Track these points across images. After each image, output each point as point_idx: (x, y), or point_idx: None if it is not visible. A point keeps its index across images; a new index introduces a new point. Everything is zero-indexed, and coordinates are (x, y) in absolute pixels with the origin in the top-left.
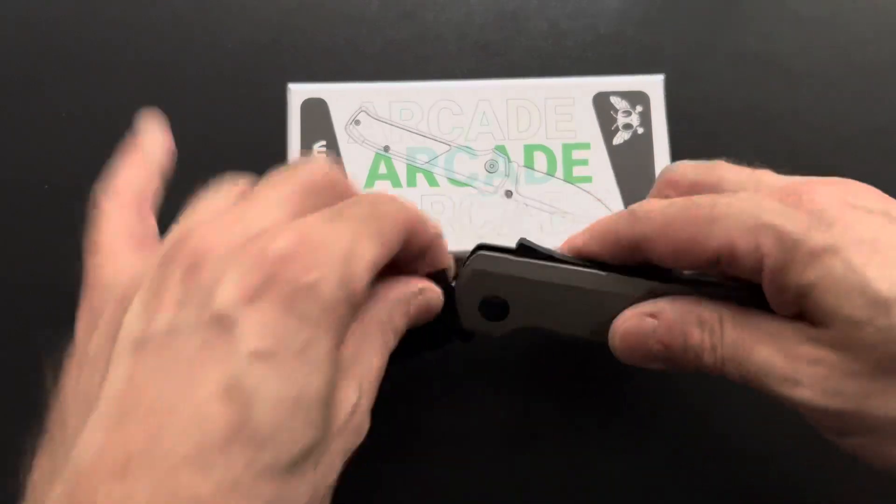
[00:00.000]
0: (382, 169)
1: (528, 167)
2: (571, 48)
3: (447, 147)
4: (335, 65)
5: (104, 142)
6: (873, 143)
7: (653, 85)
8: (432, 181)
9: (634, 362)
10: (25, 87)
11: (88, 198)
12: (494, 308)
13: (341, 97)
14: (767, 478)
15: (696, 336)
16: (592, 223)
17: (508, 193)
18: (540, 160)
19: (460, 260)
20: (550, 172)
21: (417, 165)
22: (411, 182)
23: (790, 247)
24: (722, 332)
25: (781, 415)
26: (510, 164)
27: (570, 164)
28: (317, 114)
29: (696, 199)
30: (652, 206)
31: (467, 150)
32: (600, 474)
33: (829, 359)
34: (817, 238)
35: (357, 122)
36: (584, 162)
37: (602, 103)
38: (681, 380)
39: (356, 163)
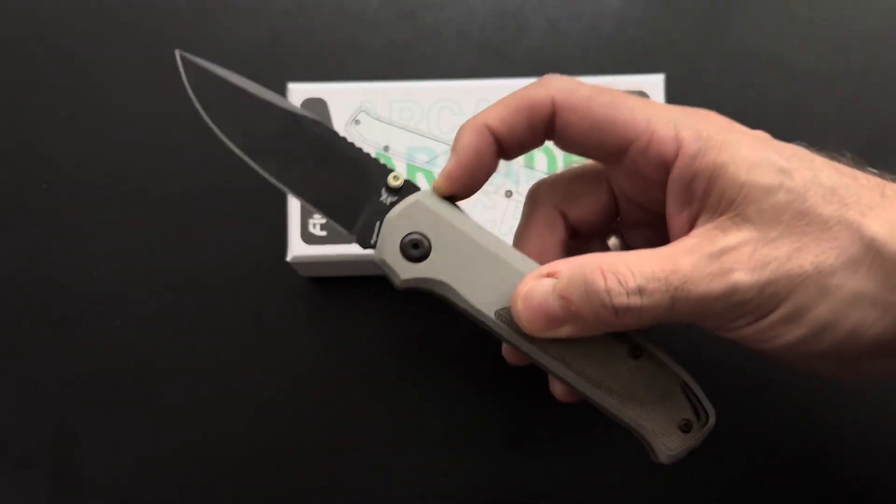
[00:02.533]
0: None
1: (529, 167)
2: (572, 48)
3: (447, 147)
4: (335, 65)
5: (104, 142)
6: (873, 143)
7: (653, 84)
8: (432, 181)
9: (540, 330)
10: (25, 87)
11: (86, 197)
12: (415, 248)
13: (341, 97)
14: (768, 479)
15: (599, 279)
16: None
17: (508, 193)
18: (540, 160)
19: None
20: (551, 171)
21: (417, 165)
22: None
23: (704, 136)
24: (630, 268)
25: (783, 416)
26: (510, 164)
27: (570, 163)
28: (317, 113)
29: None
30: (569, 79)
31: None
32: (600, 474)
33: (750, 236)
34: (722, 133)
35: (357, 122)
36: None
37: None
38: None
39: None
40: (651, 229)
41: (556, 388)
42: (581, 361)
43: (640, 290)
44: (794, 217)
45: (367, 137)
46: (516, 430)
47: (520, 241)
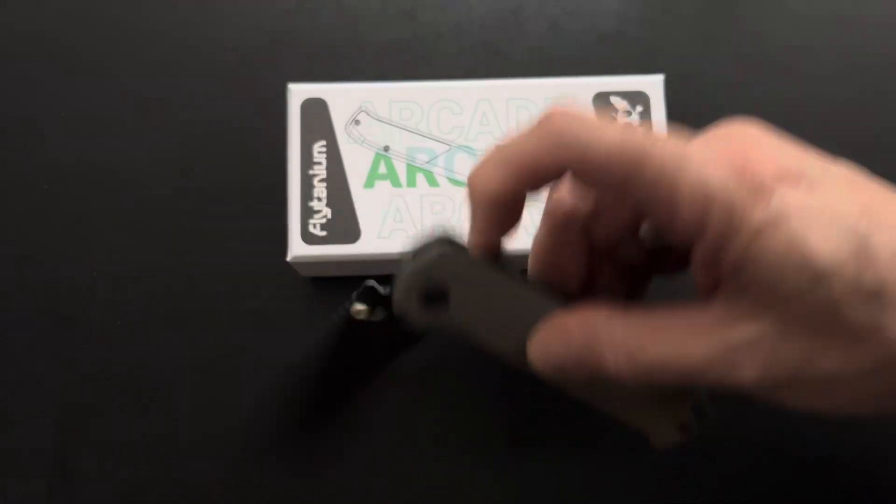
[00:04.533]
0: (382, 169)
1: None
2: (572, 48)
3: (447, 147)
4: (335, 65)
5: (104, 142)
6: (873, 143)
7: (653, 85)
8: (432, 181)
9: (557, 379)
10: (25, 87)
11: (86, 197)
12: (434, 299)
13: (341, 97)
14: (768, 479)
15: (609, 363)
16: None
17: None
18: None
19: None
20: None
21: (417, 165)
22: (411, 182)
23: (737, 220)
24: (641, 351)
25: (783, 416)
26: None
27: None
28: (317, 114)
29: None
30: (585, 130)
31: (467, 149)
32: (601, 475)
33: (768, 332)
34: (760, 213)
35: (357, 122)
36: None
37: (602, 103)
38: None
39: (356, 163)
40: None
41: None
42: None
43: (649, 375)
44: (824, 323)
45: (367, 137)
46: (516, 430)
47: (540, 261)
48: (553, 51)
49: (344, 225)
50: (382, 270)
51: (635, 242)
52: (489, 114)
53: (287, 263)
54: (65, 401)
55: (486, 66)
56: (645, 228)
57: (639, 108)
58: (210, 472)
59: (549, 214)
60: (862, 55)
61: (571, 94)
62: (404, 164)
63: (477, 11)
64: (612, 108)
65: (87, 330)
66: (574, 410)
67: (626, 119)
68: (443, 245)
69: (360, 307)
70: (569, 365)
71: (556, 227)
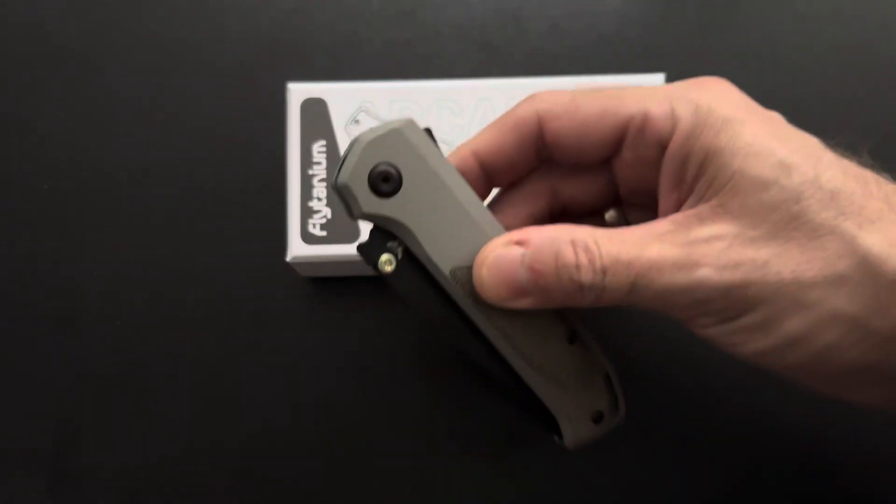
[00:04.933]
0: None
1: None
2: (572, 48)
3: (447, 147)
4: (335, 64)
5: (104, 142)
6: (875, 142)
7: (653, 84)
8: None
9: (501, 299)
10: (25, 87)
11: (86, 197)
12: (385, 181)
13: (341, 96)
14: (768, 479)
15: (570, 254)
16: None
17: None
18: None
19: None
20: None
21: None
22: None
23: (704, 112)
24: (598, 246)
25: (784, 417)
26: None
27: None
28: (316, 113)
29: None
30: (555, 91)
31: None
32: (600, 475)
33: (727, 230)
34: (726, 110)
35: (357, 122)
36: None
37: None
38: (683, 380)
39: None
40: (651, 212)
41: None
42: (521, 335)
43: (604, 270)
44: (783, 219)
45: None
46: (516, 430)
47: (496, 204)
48: (553, 51)
49: (344, 225)
50: None
51: (598, 220)
52: (489, 114)
53: (287, 263)
54: (64, 401)
55: (486, 66)
56: (611, 215)
57: None
58: (210, 472)
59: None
60: (864, 54)
61: None
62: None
63: (477, 11)
64: None
65: (87, 330)
66: None
67: None
68: (407, 124)
69: (387, 257)
70: (521, 278)
71: (522, 128)
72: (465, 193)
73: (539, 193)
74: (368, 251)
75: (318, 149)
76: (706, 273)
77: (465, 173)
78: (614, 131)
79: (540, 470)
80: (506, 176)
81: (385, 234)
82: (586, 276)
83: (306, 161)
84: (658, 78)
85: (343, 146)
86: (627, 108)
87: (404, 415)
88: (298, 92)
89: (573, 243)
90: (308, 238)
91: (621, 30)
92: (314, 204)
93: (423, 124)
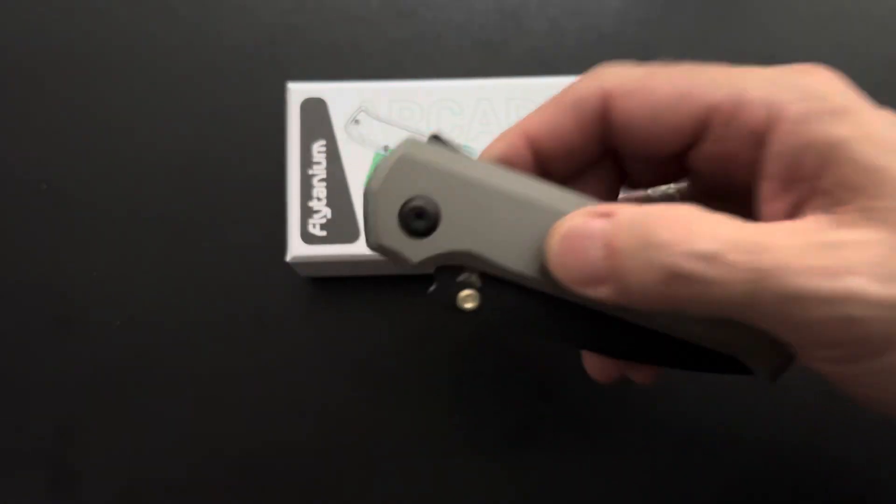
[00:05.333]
0: None
1: None
2: (572, 47)
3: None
4: (335, 64)
5: (104, 142)
6: None
7: None
8: None
9: (574, 281)
10: (25, 87)
11: (86, 197)
12: (420, 218)
13: (341, 96)
14: (769, 479)
15: (664, 231)
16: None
17: None
18: None
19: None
20: None
21: None
22: None
23: (817, 97)
24: (712, 230)
25: (784, 416)
26: None
27: None
28: (316, 113)
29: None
30: (625, 65)
31: (468, 150)
32: (601, 475)
33: (883, 238)
34: (841, 98)
35: (357, 122)
36: None
37: None
38: (682, 381)
39: (356, 162)
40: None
41: (593, 366)
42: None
43: (713, 257)
44: None
45: (366, 137)
46: (516, 430)
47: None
48: (553, 50)
49: (343, 225)
50: (382, 271)
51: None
52: (489, 114)
53: (287, 263)
54: (64, 401)
55: (486, 65)
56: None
57: None
58: (210, 473)
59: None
60: (864, 54)
61: None
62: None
63: (477, 11)
64: None
65: (87, 330)
66: (574, 410)
67: None
68: (409, 145)
69: (466, 293)
70: (595, 258)
71: (583, 105)
72: (521, 183)
73: (602, 192)
74: (440, 296)
75: (318, 149)
76: (860, 283)
77: (513, 161)
78: (696, 118)
79: (542, 469)
80: (562, 165)
81: (450, 269)
82: (678, 261)
83: (306, 161)
84: None
85: (343, 146)
86: (715, 92)
87: (404, 414)
88: (298, 92)
89: (672, 218)
90: (308, 238)
91: (621, 29)
92: (314, 204)
93: (423, 124)
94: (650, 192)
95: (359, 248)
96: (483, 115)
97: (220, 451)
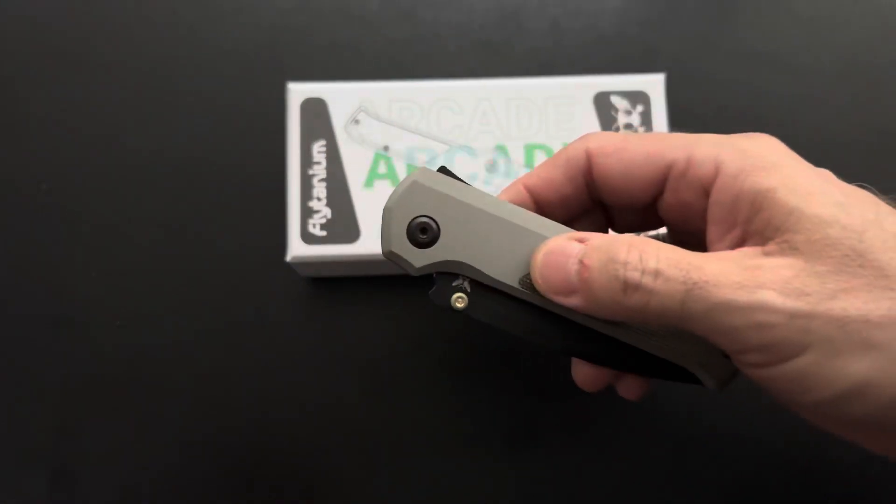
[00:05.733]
0: (382, 168)
1: (529, 167)
2: (572, 47)
3: (447, 147)
4: (335, 64)
5: (103, 142)
6: (874, 143)
7: (653, 84)
8: None
9: (552, 290)
10: (25, 87)
11: (86, 197)
12: (423, 233)
13: (341, 96)
14: (769, 479)
15: (622, 251)
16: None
17: None
18: (540, 159)
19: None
20: None
21: (417, 165)
22: None
23: (750, 156)
24: (657, 250)
25: (784, 418)
26: (510, 163)
27: None
28: (316, 113)
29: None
30: (607, 133)
31: (467, 149)
32: (600, 475)
33: (793, 263)
34: (775, 157)
35: (357, 122)
36: None
37: (603, 103)
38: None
39: (356, 162)
40: None
41: (580, 375)
42: None
43: (657, 273)
44: (848, 255)
45: (366, 137)
46: (516, 430)
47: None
48: (553, 50)
49: (343, 225)
50: (382, 271)
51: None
52: (489, 114)
53: (287, 263)
54: (64, 401)
55: (486, 65)
56: (663, 234)
57: (640, 108)
58: (209, 472)
59: (570, 153)
60: (863, 55)
61: (572, 93)
62: (404, 163)
63: (477, 11)
64: (613, 108)
65: (87, 330)
66: (573, 410)
67: (626, 118)
68: (421, 173)
69: (458, 295)
70: (571, 272)
71: (574, 163)
72: (508, 210)
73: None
74: (439, 297)
75: (318, 149)
76: (769, 296)
77: (517, 203)
78: (659, 173)
79: (543, 469)
80: (560, 210)
81: (447, 275)
82: (632, 274)
83: (306, 161)
84: (658, 78)
85: (343, 146)
86: (672, 152)
87: (404, 414)
88: (298, 92)
89: (630, 244)
90: (308, 238)
91: (621, 29)
92: (314, 204)
93: (423, 125)
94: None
95: (359, 248)
96: (483, 115)
97: (219, 450)
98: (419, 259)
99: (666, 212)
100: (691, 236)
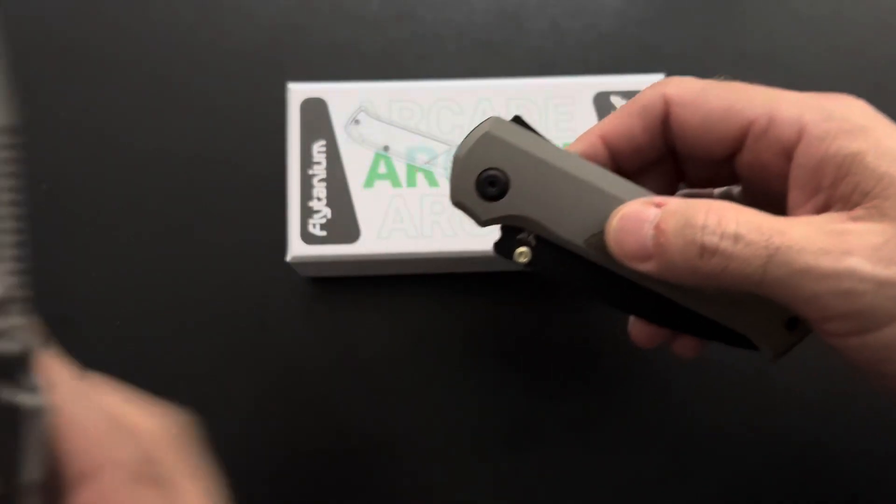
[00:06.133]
0: (382, 168)
1: None
2: (572, 47)
3: (447, 147)
4: (335, 64)
5: (103, 142)
6: None
7: (653, 83)
8: (432, 181)
9: (626, 255)
10: (25, 87)
11: (86, 197)
12: (492, 185)
13: (341, 97)
14: (769, 479)
15: (699, 215)
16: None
17: None
18: None
19: None
20: None
21: (417, 165)
22: (411, 182)
23: (838, 118)
24: (737, 213)
25: (785, 417)
26: None
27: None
28: (316, 113)
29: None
30: (687, 78)
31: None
32: (601, 474)
33: (883, 229)
34: (862, 119)
35: (357, 122)
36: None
37: (603, 103)
38: (682, 381)
39: (356, 162)
40: None
41: (637, 332)
42: None
43: (737, 237)
44: None
45: (366, 137)
46: (516, 430)
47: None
48: (553, 50)
49: (343, 225)
50: (382, 271)
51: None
52: (489, 113)
53: (287, 263)
54: None
55: (486, 65)
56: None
57: None
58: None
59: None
60: (864, 55)
61: (572, 93)
62: (404, 163)
63: (477, 11)
64: (613, 108)
65: (86, 330)
66: (573, 410)
67: None
68: (493, 123)
69: (521, 249)
70: (647, 237)
71: (651, 110)
72: (581, 166)
73: (664, 186)
74: (503, 248)
75: (318, 149)
76: (857, 262)
77: (592, 157)
78: (738, 130)
79: (543, 469)
80: (633, 160)
81: (514, 228)
82: (709, 238)
83: (306, 161)
84: (658, 78)
85: (343, 146)
86: (753, 108)
87: (404, 414)
88: (298, 92)
89: (708, 208)
90: (308, 238)
91: (621, 29)
92: (314, 204)
93: (423, 125)
94: (716, 192)
95: (359, 248)
96: (483, 115)
97: (219, 450)
98: (486, 211)
99: (743, 169)
100: (768, 197)
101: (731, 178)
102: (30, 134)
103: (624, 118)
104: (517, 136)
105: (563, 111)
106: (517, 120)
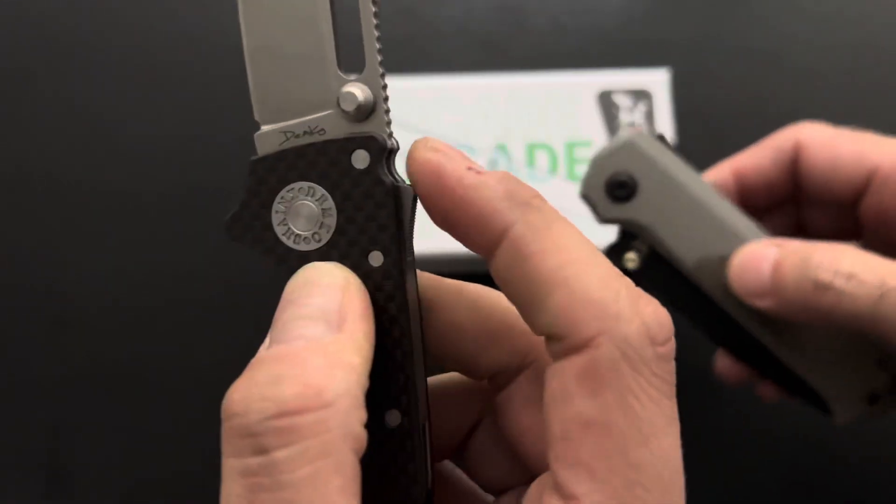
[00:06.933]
0: None
1: (530, 167)
2: (574, 44)
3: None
4: None
5: (103, 142)
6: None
7: (657, 81)
8: None
9: (747, 292)
10: (24, 87)
11: (87, 197)
12: (621, 188)
13: None
14: (769, 479)
15: (818, 255)
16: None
17: None
18: (542, 159)
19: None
20: (552, 171)
21: None
22: None
23: None
24: (852, 255)
25: (783, 418)
26: (511, 163)
27: (572, 162)
28: None
29: None
30: (820, 125)
31: (467, 148)
32: None
33: None
34: None
35: None
36: (588, 160)
37: (606, 99)
38: (682, 381)
39: None
40: None
41: (723, 365)
42: (778, 320)
43: (850, 275)
44: None
45: None
46: None
47: None
48: (554, 46)
49: None
50: None
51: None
52: (490, 110)
53: None
54: (62, 401)
55: (487, 61)
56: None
57: (643, 105)
58: (208, 473)
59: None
60: (869, 51)
61: (575, 90)
62: (404, 162)
63: (477, 7)
64: (616, 105)
65: (85, 330)
66: None
67: (629, 115)
68: (637, 134)
69: (632, 255)
70: (765, 274)
71: (784, 153)
72: (710, 195)
73: (784, 230)
74: (615, 251)
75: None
76: None
77: (721, 188)
78: (865, 174)
79: None
80: (760, 196)
81: (631, 235)
82: (825, 275)
83: None
84: (662, 73)
85: None
86: (881, 155)
87: None
88: None
89: (825, 247)
90: None
91: (623, 25)
92: None
93: (423, 122)
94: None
95: None
96: (483, 111)
97: (217, 450)
98: (609, 210)
99: (866, 215)
100: (889, 248)
101: (852, 231)
102: (28, 134)
103: (758, 155)
104: (656, 151)
105: (566, 108)
106: (661, 138)
